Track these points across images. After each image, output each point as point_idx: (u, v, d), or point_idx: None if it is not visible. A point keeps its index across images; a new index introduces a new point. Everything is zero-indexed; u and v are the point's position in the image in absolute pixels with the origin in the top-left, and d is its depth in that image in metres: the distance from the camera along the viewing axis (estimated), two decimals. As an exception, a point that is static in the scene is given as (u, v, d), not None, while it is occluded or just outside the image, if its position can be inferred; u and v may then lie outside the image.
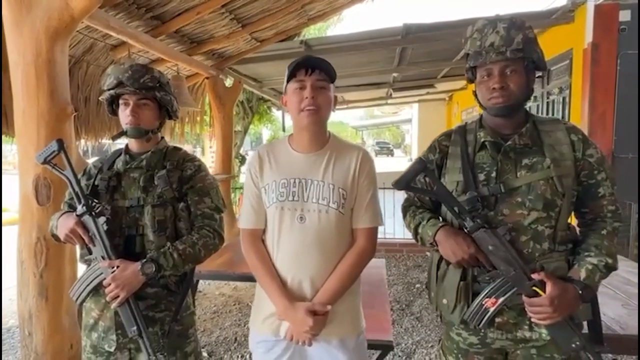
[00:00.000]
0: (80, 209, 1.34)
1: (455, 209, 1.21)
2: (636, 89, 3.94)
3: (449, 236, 1.22)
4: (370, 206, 1.34)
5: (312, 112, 1.27)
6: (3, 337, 3.30)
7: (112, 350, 1.39)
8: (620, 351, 1.85)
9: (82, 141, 3.56)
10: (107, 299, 1.33)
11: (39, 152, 1.43)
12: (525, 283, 1.15)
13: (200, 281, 4.06)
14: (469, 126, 1.35)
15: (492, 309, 1.18)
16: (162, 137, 1.55)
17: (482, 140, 1.26)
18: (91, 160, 1.61)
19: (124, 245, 1.40)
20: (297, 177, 1.31)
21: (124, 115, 1.42)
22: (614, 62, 4.07)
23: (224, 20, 3.70)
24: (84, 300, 1.42)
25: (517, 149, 1.22)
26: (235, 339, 3.17)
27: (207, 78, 4.65)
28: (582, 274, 1.15)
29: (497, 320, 1.22)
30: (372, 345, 1.91)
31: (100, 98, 1.52)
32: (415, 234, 1.34)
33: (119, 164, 1.44)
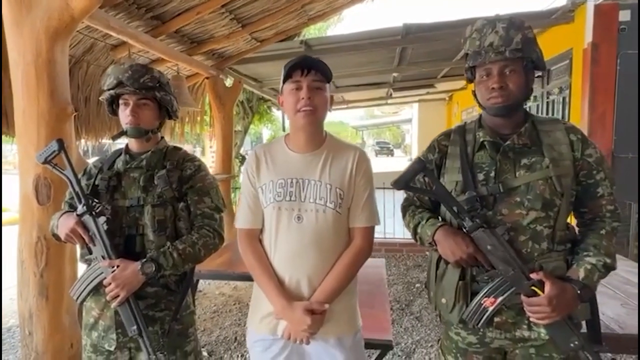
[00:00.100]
0: (80, 208, 1.35)
1: (454, 208, 1.22)
2: (636, 88, 3.94)
3: (447, 236, 1.22)
4: (367, 205, 1.34)
5: (309, 113, 1.28)
6: (3, 336, 3.31)
7: (112, 349, 1.40)
8: (619, 350, 1.85)
9: (83, 141, 3.57)
10: (107, 298, 1.33)
11: (40, 152, 1.43)
12: (523, 283, 1.15)
13: (201, 281, 4.07)
14: (468, 126, 1.35)
15: (490, 309, 1.18)
16: (162, 137, 1.55)
17: (481, 140, 1.26)
18: (91, 160, 1.62)
19: (124, 244, 1.40)
20: (294, 177, 1.32)
21: (124, 115, 1.42)
22: (614, 62, 4.07)
23: (224, 20, 3.70)
24: (84, 300, 1.42)
25: (516, 149, 1.22)
26: (235, 338, 3.18)
27: (207, 78, 4.65)
28: (581, 274, 1.15)
29: (496, 319, 1.22)
30: (371, 345, 1.91)
31: (100, 98, 1.53)
32: (415, 233, 1.34)
33: (119, 164, 1.45)
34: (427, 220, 1.30)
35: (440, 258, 1.29)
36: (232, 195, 5.89)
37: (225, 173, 4.88)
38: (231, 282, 4.32)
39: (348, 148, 1.38)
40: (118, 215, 1.40)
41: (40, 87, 1.87)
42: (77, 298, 1.41)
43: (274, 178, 1.33)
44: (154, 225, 1.38)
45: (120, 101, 1.44)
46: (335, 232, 1.31)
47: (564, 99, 4.89)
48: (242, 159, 8.52)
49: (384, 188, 4.72)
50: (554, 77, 5.15)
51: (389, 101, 11.45)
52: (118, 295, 1.31)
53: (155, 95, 1.44)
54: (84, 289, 1.39)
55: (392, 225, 5.42)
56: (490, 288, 1.19)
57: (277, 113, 9.87)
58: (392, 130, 42.31)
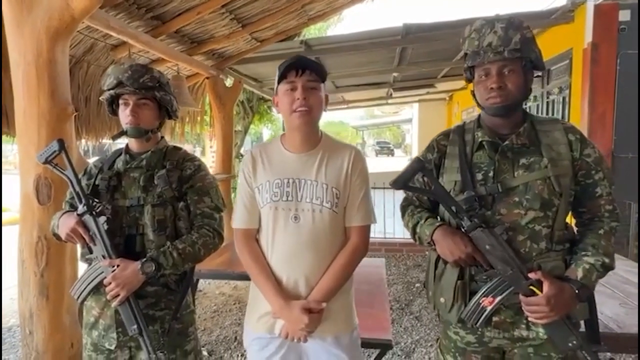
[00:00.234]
0: (81, 208, 1.35)
1: (453, 208, 1.22)
2: (636, 88, 3.94)
3: (446, 235, 1.22)
4: (363, 204, 1.35)
5: (304, 113, 1.28)
6: (4, 336, 3.32)
7: (112, 348, 1.40)
8: (618, 350, 1.86)
9: (83, 141, 3.57)
10: (108, 297, 1.34)
11: (40, 152, 1.44)
12: (522, 282, 1.16)
13: (201, 280, 4.07)
14: (467, 126, 1.36)
15: (489, 308, 1.18)
16: (162, 137, 1.56)
17: (480, 140, 1.26)
18: (92, 160, 1.62)
19: (125, 244, 1.41)
20: (290, 177, 1.32)
21: (124, 115, 1.43)
22: (614, 62, 4.07)
23: (224, 20, 3.70)
24: (84, 299, 1.43)
25: (514, 149, 1.23)
26: (235, 337, 3.18)
27: (207, 78, 4.65)
28: (579, 274, 1.15)
29: (494, 319, 1.23)
30: (371, 344, 1.92)
31: (100, 98, 1.53)
32: (413, 233, 1.34)
33: (119, 164, 1.45)
34: (426, 219, 1.31)
35: (439, 258, 1.29)
36: (232, 195, 5.89)
37: (225, 173, 4.89)
38: (231, 282, 4.33)
39: (344, 148, 1.39)
40: (118, 215, 1.41)
41: (40, 87, 1.87)
42: (78, 297, 1.42)
43: (271, 178, 1.34)
44: (153, 224, 1.38)
45: (120, 101, 1.45)
46: (332, 232, 1.32)
47: (563, 98, 4.89)
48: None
49: (384, 188, 4.72)
50: (553, 77, 5.15)
51: (389, 101, 11.45)
52: (118, 295, 1.32)
53: (155, 95, 1.44)
54: (85, 288, 1.40)
55: (392, 225, 5.42)
56: (488, 287, 1.19)
57: (277, 113, 9.86)
58: (392, 130, 42.31)
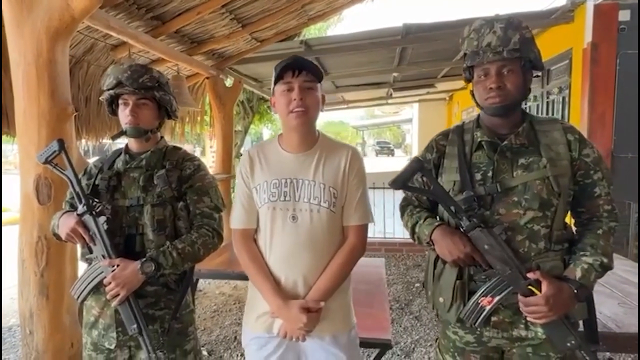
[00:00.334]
0: (80, 208, 1.36)
1: (452, 208, 1.22)
2: (636, 88, 3.94)
3: (445, 235, 1.23)
4: (361, 204, 1.35)
5: (301, 114, 1.29)
6: (4, 335, 3.32)
7: (112, 347, 1.40)
8: (617, 349, 1.86)
9: (83, 141, 3.58)
10: (108, 297, 1.34)
11: (40, 152, 1.44)
12: (520, 282, 1.16)
13: (201, 280, 4.08)
14: (467, 126, 1.36)
15: (487, 308, 1.18)
16: (162, 137, 1.56)
17: (479, 140, 1.27)
18: (92, 160, 1.63)
19: (124, 244, 1.41)
20: (288, 177, 1.33)
21: (124, 115, 1.43)
22: (614, 62, 4.07)
23: (224, 20, 3.70)
24: (85, 299, 1.43)
25: (513, 149, 1.23)
26: (235, 337, 3.19)
27: (207, 78, 4.66)
28: (578, 274, 1.15)
29: (493, 319, 1.23)
30: (370, 344, 1.93)
31: (100, 98, 1.54)
32: (412, 233, 1.35)
33: (119, 164, 1.46)
34: (425, 219, 1.31)
35: (437, 257, 1.29)
36: (232, 194, 5.89)
37: (225, 173, 4.89)
38: (231, 282, 4.33)
39: (341, 147, 1.39)
40: (118, 214, 1.41)
41: (40, 87, 1.87)
42: (78, 297, 1.42)
43: (268, 178, 1.34)
44: (153, 224, 1.39)
45: (120, 101, 1.45)
46: (330, 231, 1.32)
47: (563, 98, 4.89)
48: (243, 159, 8.51)
49: (383, 188, 4.72)
50: (553, 77, 5.15)
51: (389, 101, 11.45)
52: (118, 294, 1.32)
53: (155, 95, 1.44)
54: (85, 288, 1.40)
55: (392, 225, 5.43)
56: (487, 287, 1.19)
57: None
58: (392, 130, 42.32)
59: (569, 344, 1.14)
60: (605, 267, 1.18)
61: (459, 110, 10.33)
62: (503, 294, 1.18)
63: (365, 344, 1.90)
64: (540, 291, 1.13)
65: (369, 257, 4.41)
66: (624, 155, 4.09)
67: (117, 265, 1.34)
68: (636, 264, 2.64)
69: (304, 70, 1.29)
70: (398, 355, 2.88)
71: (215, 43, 4.05)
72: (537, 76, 1.33)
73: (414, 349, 2.96)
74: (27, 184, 1.94)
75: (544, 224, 1.20)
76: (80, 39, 3.02)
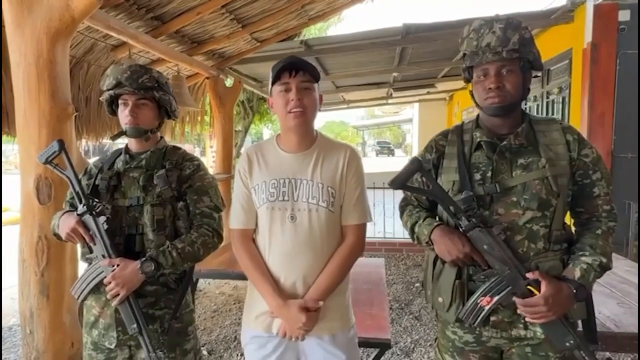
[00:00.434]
0: (81, 208, 1.36)
1: (451, 208, 1.22)
2: (636, 88, 3.94)
3: (444, 235, 1.23)
4: (359, 203, 1.36)
5: (299, 114, 1.29)
6: (5, 335, 3.33)
7: (112, 347, 1.41)
8: (616, 349, 1.86)
9: (83, 141, 3.58)
10: (108, 297, 1.35)
11: (41, 152, 1.45)
12: (519, 282, 1.16)
13: (201, 280, 4.08)
14: (466, 126, 1.36)
15: (487, 308, 1.19)
16: (162, 137, 1.56)
17: (478, 140, 1.27)
18: (92, 160, 1.63)
19: (124, 244, 1.42)
20: (286, 177, 1.33)
21: (123, 116, 1.44)
22: (614, 62, 4.07)
23: (224, 20, 3.71)
24: (85, 298, 1.43)
25: (512, 149, 1.23)
26: (235, 337, 3.19)
27: (207, 78, 4.66)
28: (577, 274, 1.16)
29: (492, 318, 1.23)
30: (370, 344, 1.93)
31: (100, 98, 1.54)
32: (412, 232, 1.35)
33: (119, 164, 1.46)
34: (424, 219, 1.31)
35: (437, 257, 1.29)
36: (232, 194, 5.90)
37: (225, 173, 4.89)
38: (231, 282, 4.34)
39: (339, 147, 1.40)
40: (118, 214, 1.41)
41: (41, 87, 1.88)
42: (78, 297, 1.43)
43: (267, 178, 1.34)
44: (153, 224, 1.39)
45: (120, 101, 1.45)
46: (329, 231, 1.33)
47: (563, 98, 4.89)
48: (243, 159, 8.51)
49: (383, 188, 4.72)
50: (553, 77, 5.15)
51: (390, 101, 11.45)
52: (118, 294, 1.32)
53: (154, 95, 1.45)
54: (85, 287, 1.41)
55: (392, 225, 5.43)
56: (486, 287, 1.19)
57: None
58: (392, 130, 42.33)
59: (567, 344, 1.15)
60: (604, 267, 1.18)
61: (459, 110, 10.33)
62: (502, 294, 1.18)
63: (364, 343, 1.90)
64: (539, 291, 1.13)
65: (369, 257, 4.43)
66: (623, 155, 4.09)
67: (117, 265, 1.34)
68: (636, 264, 2.65)
69: (301, 70, 1.30)
70: (398, 355, 2.88)
71: (215, 43, 4.05)
72: (537, 76, 1.34)
73: (413, 348, 2.96)
74: (28, 183, 1.94)
75: (543, 224, 1.20)
76: (81, 40, 3.02)
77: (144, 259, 1.34)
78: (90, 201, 1.37)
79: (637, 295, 2.03)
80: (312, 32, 10.74)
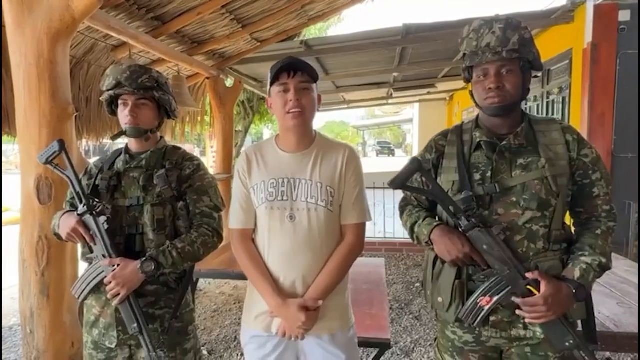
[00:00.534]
0: (81, 208, 1.36)
1: (451, 208, 1.23)
2: (636, 88, 3.94)
3: (444, 235, 1.23)
4: (358, 202, 1.36)
5: (298, 114, 1.29)
6: (5, 335, 3.33)
7: (113, 346, 1.41)
8: (615, 349, 1.86)
9: (84, 141, 3.59)
10: (108, 296, 1.35)
11: (41, 152, 1.45)
12: (519, 282, 1.16)
13: (201, 280, 4.09)
14: (466, 126, 1.36)
15: (486, 308, 1.19)
16: (162, 137, 1.57)
17: (478, 140, 1.27)
18: (93, 160, 1.63)
19: (125, 243, 1.42)
20: (285, 176, 1.34)
21: (123, 116, 1.44)
22: (614, 62, 4.07)
23: (224, 20, 3.71)
24: (85, 298, 1.44)
25: (512, 149, 1.23)
26: (235, 337, 3.19)
27: (207, 78, 4.66)
28: (576, 274, 1.16)
29: (492, 318, 1.23)
30: (370, 343, 1.93)
31: (100, 99, 1.54)
32: (412, 232, 1.35)
33: (119, 164, 1.46)
34: (424, 219, 1.31)
35: (436, 257, 1.29)
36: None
37: (225, 173, 4.90)
38: (231, 282, 4.34)
39: (338, 146, 1.40)
40: (118, 214, 1.42)
41: (41, 87, 1.88)
42: (79, 296, 1.43)
43: (266, 178, 1.35)
44: (153, 224, 1.39)
45: (120, 101, 1.46)
46: (328, 230, 1.33)
47: (563, 99, 4.89)
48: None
49: (384, 188, 4.73)
50: (554, 77, 5.15)
51: (390, 101, 11.46)
52: (119, 294, 1.33)
53: (154, 95, 1.45)
54: (85, 287, 1.41)
55: (392, 225, 5.43)
56: (486, 287, 1.20)
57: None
58: (393, 130, 42.33)
59: (567, 344, 1.15)
60: (604, 267, 1.18)
61: (459, 110, 10.33)
62: (502, 294, 1.18)
63: (364, 343, 1.91)
64: (539, 291, 1.14)
65: (369, 257, 4.43)
66: (624, 155, 4.09)
67: (118, 265, 1.34)
68: (635, 264, 2.65)
69: (299, 71, 1.30)
70: (398, 355, 2.88)
71: (215, 43, 4.06)
72: (536, 76, 1.34)
73: (413, 348, 2.97)
74: (28, 184, 1.94)
75: (542, 224, 1.20)
76: (81, 40, 3.03)
77: (144, 258, 1.35)
78: (91, 201, 1.37)
79: (637, 295, 2.03)
80: (312, 32, 10.74)
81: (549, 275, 1.16)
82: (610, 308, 1.90)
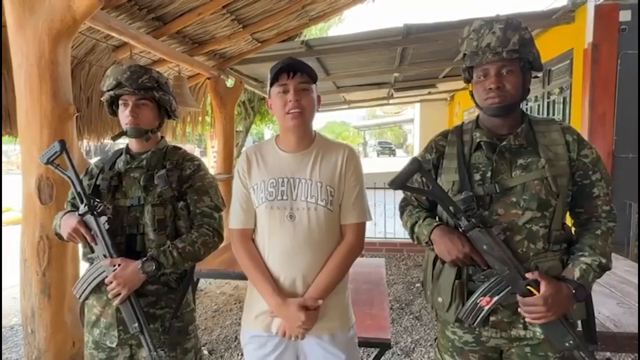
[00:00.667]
0: (82, 208, 1.37)
1: (451, 208, 1.23)
2: (636, 88, 3.94)
3: (444, 235, 1.23)
4: (358, 202, 1.36)
5: (297, 115, 1.30)
6: (6, 334, 3.34)
7: (113, 346, 1.41)
8: (615, 349, 1.86)
9: (85, 141, 3.59)
10: (109, 296, 1.36)
11: (42, 152, 1.45)
12: (519, 282, 1.16)
13: (202, 280, 4.09)
14: (466, 126, 1.36)
15: (486, 308, 1.19)
16: (162, 137, 1.57)
17: (478, 140, 1.27)
18: (93, 160, 1.64)
19: (126, 243, 1.42)
20: (285, 176, 1.34)
21: (124, 116, 1.44)
22: (614, 62, 4.07)
23: (225, 21, 3.72)
24: (86, 298, 1.44)
25: (512, 149, 1.24)
26: (236, 337, 3.20)
27: (208, 78, 4.67)
28: (576, 274, 1.16)
29: (492, 318, 1.23)
30: (370, 343, 1.93)
31: (101, 99, 1.55)
32: (412, 232, 1.35)
33: (120, 164, 1.47)
34: (424, 219, 1.31)
35: (436, 257, 1.30)
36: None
37: (226, 173, 4.90)
38: (232, 282, 4.34)
39: (337, 146, 1.40)
40: (119, 214, 1.42)
41: (42, 88, 1.89)
42: (80, 296, 1.43)
43: (265, 178, 1.35)
44: (154, 224, 1.40)
45: (120, 102, 1.46)
46: (328, 230, 1.33)
47: (564, 99, 4.89)
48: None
49: (384, 188, 4.73)
50: (554, 77, 5.15)
51: (391, 101, 11.46)
52: (119, 293, 1.33)
53: (154, 96, 1.45)
54: (86, 287, 1.42)
55: (392, 225, 5.43)
56: (486, 287, 1.20)
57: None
58: (394, 130, 42.32)
59: (567, 344, 1.15)
60: (604, 268, 1.18)
61: (460, 110, 10.33)
62: (502, 294, 1.18)
63: (364, 343, 1.91)
64: (538, 291, 1.14)
65: (369, 257, 4.43)
66: (624, 155, 4.09)
67: (118, 265, 1.34)
68: (635, 264, 2.64)
69: (298, 72, 1.31)
70: (398, 355, 2.88)
71: (216, 44, 4.06)
72: (537, 77, 1.34)
73: (414, 348, 2.97)
74: (29, 184, 1.95)
75: (542, 224, 1.20)
76: (82, 40, 3.04)
77: (145, 258, 1.35)
78: (92, 201, 1.38)
79: (637, 295, 2.03)
80: (312, 32, 10.75)
81: (549, 276, 1.16)
82: (610, 308, 1.90)
